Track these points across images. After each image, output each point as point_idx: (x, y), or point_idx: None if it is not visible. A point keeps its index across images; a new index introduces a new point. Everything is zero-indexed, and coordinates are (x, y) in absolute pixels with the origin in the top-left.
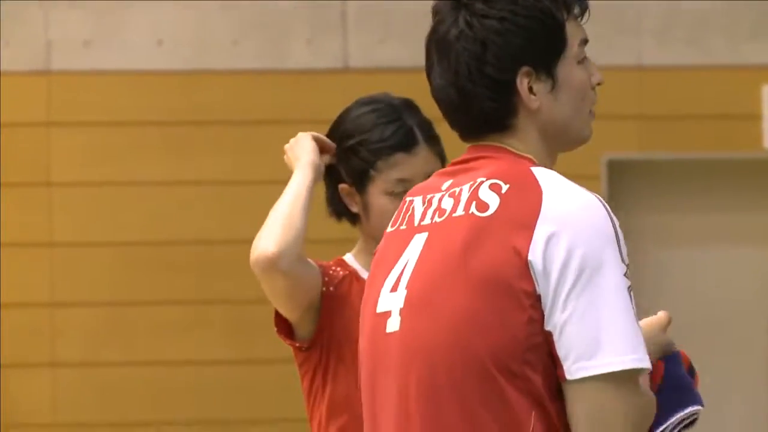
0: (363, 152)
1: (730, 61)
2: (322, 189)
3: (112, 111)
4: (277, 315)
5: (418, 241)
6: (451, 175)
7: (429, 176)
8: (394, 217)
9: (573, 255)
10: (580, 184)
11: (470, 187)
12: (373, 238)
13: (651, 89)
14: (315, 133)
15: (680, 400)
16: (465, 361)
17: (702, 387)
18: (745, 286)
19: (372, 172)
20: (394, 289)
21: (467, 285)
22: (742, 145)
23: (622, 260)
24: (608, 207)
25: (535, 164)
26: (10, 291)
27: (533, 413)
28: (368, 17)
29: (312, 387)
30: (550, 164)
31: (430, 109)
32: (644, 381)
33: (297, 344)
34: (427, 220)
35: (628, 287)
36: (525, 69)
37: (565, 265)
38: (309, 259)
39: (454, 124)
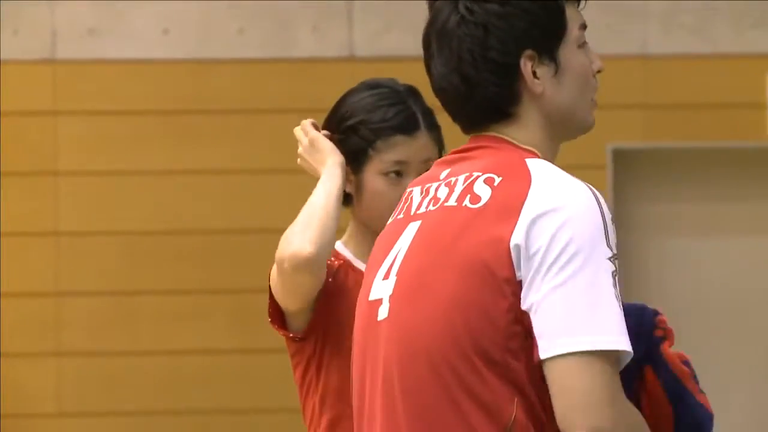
0: (363, 131)
1: (735, 50)
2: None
3: (118, 100)
4: (272, 305)
5: (412, 229)
6: (450, 164)
7: (426, 162)
8: (396, 207)
9: (556, 238)
10: (586, 173)
11: (465, 179)
12: (363, 220)
13: (656, 78)
14: (311, 121)
15: None
16: (447, 348)
17: (705, 377)
18: (751, 275)
19: (370, 152)
20: (386, 276)
21: (453, 273)
22: (747, 134)
23: (608, 246)
24: (598, 194)
25: (534, 156)
26: (15, 280)
27: (515, 400)
28: (374, 6)
29: (305, 377)
30: (552, 155)
31: (434, 98)
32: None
33: (291, 335)
34: (422, 209)
35: (612, 272)
36: (528, 52)
37: (547, 248)
38: None
39: (456, 114)
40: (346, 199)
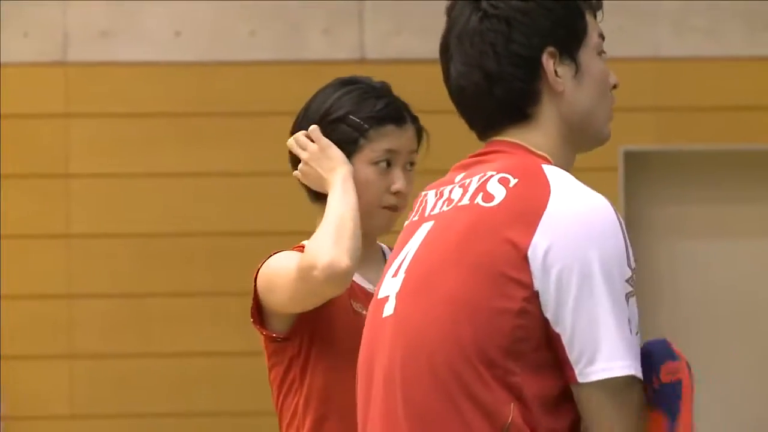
0: (353, 121)
1: (747, 53)
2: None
3: (130, 102)
4: (255, 305)
5: (424, 229)
6: (465, 168)
7: (411, 154)
8: (411, 210)
9: (575, 259)
10: (597, 175)
11: (479, 179)
12: None
13: (668, 81)
14: (316, 126)
15: None
16: (449, 348)
17: (715, 380)
18: (762, 277)
19: (362, 141)
20: (395, 274)
21: (460, 271)
22: (759, 136)
23: (628, 265)
24: (617, 211)
25: (548, 162)
26: (27, 282)
27: (512, 405)
28: (385, 8)
29: (286, 378)
30: (567, 164)
31: (447, 100)
32: None
33: (273, 335)
34: (436, 210)
35: (627, 293)
36: (550, 49)
37: (566, 269)
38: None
39: (474, 114)
40: (324, 195)
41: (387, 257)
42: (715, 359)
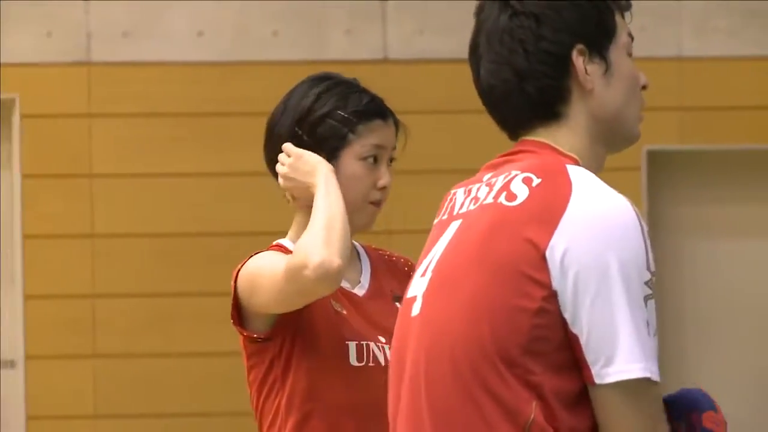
0: (340, 117)
1: None
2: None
3: (153, 102)
4: (234, 306)
5: (452, 228)
6: (494, 167)
7: (393, 150)
8: (439, 209)
9: (593, 260)
10: (620, 175)
11: (504, 178)
12: None
13: (691, 80)
14: (289, 144)
15: None
16: (469, 346)
17: (737, 379)
18: None
19: (350, 136)
20: (423, 274)
21: (482, 270)
22: None
23: (648, 267)
24: (638, 213)
25: (575, 163)
26: (52, 282)
27: (534, 404)
28: (407, 8)
29: (267, 379)
30: (596, 163)
31: (470, 99)
32: None
33: (254, 335)
34: (464, 209)
35: (646, 296)
36: (579, 46)
37: (584, 269)
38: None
39: (503, 112)
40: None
41: (361, 256)
42: (737, 358)
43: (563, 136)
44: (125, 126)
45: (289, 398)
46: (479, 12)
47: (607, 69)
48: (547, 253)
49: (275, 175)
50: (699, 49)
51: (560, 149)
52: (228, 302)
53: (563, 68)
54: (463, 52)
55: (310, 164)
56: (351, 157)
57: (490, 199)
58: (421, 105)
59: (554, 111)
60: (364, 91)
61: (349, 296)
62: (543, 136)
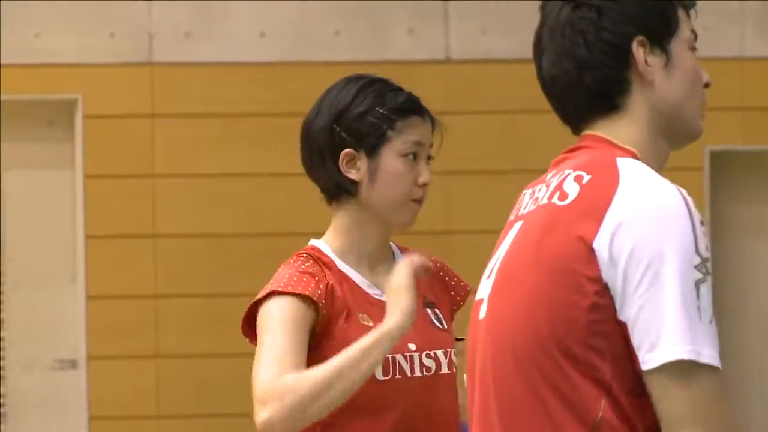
0: (380, 113)
1: None
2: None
3: (214, 103)
4: (248, 315)
5: (515, 229)
6: (557, 165)
7: (431, 147)
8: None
9: (640, 246)
10: (683, 175)
11: (559, 177)
12: (377, 207)
13: (754, 80)
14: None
15: None
16: (531, 345)
17: None
18: None
19: (390, 133)
20: (488, 276)
21: (537, 270)
22: None
23: (697, 251)
24: (687, 197)
25: (631, 155)
26: (115, 283)
27: (603, 401)
28: (470, 8)
29: None
30: (657, 156)
31: (531, 100)
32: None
33: None
34: (526, 209)
35: (697, 280)
36: (640, 38)
37: (631, 256)
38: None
39: (565, 105)
40: (346, 191)
41: (396, 258)
42: None
43: (623, 128)
44: (187, 126)
45: None
46: (543, 8)
47: (668, 61)
48: (595, 245)
49: (311, 175)
50: (762, 49)
51: (618, 143)
52: None
53: (623, 59)
54: (525, 52)
55: (399, 305)
56: (391, 154)
57: (545, 200)
58: (483, 105)
59: (614, 102)
60: (399, 89)
61: (380, 305)
62: (603, 129)
